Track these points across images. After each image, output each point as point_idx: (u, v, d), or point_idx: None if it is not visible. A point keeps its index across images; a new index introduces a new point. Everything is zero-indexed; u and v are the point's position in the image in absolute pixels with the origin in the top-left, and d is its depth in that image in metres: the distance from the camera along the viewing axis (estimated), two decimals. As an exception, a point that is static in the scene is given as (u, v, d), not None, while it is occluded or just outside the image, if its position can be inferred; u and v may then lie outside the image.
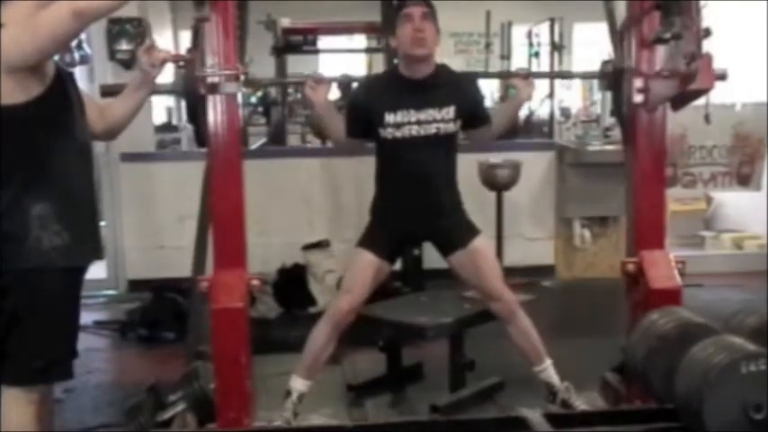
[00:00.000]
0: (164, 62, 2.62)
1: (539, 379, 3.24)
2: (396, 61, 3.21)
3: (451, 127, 3.12)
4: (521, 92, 3.19)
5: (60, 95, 2.38)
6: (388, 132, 3.09)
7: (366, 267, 3.14)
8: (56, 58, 2.45)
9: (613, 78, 2.94)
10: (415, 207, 3.14)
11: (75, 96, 2.45)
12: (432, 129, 3.09)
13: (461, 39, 10.38)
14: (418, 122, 3.08)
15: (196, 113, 2.79)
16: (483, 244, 3.25)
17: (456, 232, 3.19)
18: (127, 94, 2.65)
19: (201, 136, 2.83)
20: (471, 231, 3.20)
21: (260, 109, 8.14)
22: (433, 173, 3.14)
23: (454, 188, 3.23)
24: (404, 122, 3.08)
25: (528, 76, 3.20)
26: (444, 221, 3.18)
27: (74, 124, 2.42)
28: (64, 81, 2.41)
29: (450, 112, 3.10)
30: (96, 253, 2.56)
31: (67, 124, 2.40)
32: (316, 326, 3.16)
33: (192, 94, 2.74)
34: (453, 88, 3.14)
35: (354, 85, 3.46)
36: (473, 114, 3.19)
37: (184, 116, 8.61)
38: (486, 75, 3.57)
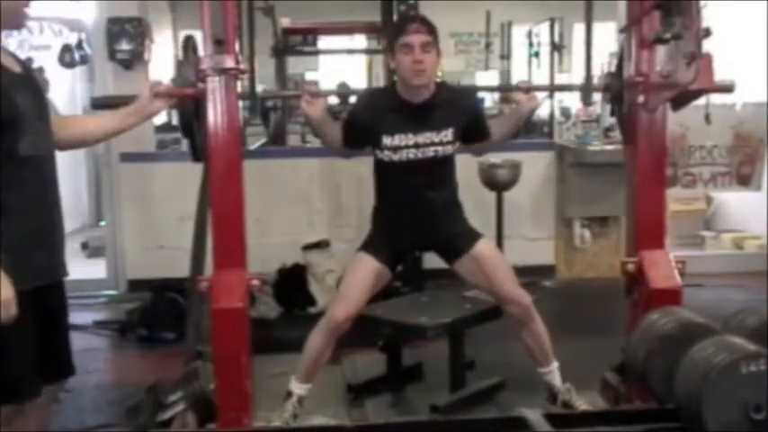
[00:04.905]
0: (167, 95, 2.63)
1: (539, 379, 3.23)
2: (395, 78, 3.15)
3: (449, 149, 3.08)
4: (522, 106, 3.12)
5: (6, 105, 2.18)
6: (385, 155, 3.06)
7: (366, 273, 3.11)
8: (34, 55, 2.37)
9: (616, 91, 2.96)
10: (415, 224, 3.13)
11: (30, 103, 2.26)
12: (429, 152, 3.05)
13: (461, 39, 10.37)
14: (416, 146, 3.04)
15: (190, 127, 2.77)
16: (487, 247, 3.21)
17: (457, 239, 3.16)
18: (114, 116, 2.61)
19: (196, 150, 2.82)
20: (473, 236, 3.18)
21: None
22: (432, 193, 3.11)
23: (455, 201, 3.21)
24: (401, 146, 3.03)
25: (529, 89, 3.13)
26: (445, 232, 3.16)
27: (20, 135, 2.22)
28: (11, 88, 2.21)
29: (448, 134, 3.06)
30: (38, 276, 2.27)
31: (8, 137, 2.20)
32: (312, 331, 3.13)
33: (186, 107, 2.74)
34: (452, 108, 3.09)
35: (352, 98, 3.42)
36: (473, 130, 3.15)
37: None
38: (487, 88, 3.51)
